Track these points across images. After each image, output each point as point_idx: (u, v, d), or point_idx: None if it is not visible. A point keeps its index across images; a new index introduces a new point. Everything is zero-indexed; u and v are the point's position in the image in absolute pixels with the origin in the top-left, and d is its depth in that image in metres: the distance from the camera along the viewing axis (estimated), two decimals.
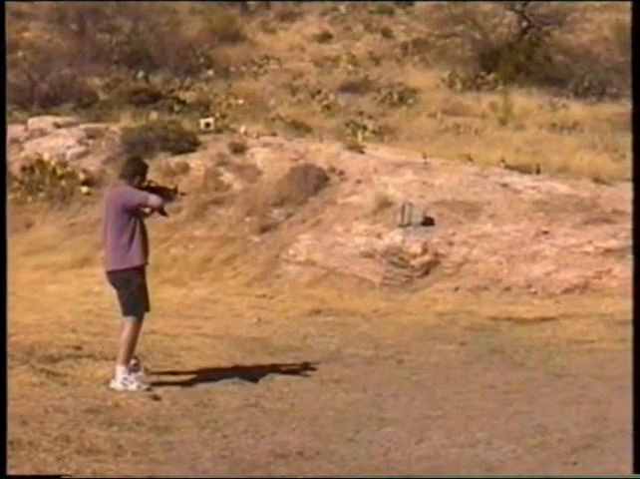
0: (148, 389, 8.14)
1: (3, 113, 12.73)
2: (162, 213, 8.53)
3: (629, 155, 6.99)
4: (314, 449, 6.81)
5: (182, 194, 9.26)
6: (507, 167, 15.64)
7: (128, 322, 8.32)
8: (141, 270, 8.38)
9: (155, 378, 8.54)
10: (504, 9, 26.27)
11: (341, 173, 15.63)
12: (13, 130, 17.39)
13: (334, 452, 6.77)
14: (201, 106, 20.73)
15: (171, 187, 9.15)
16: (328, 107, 21.51)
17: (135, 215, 8.28)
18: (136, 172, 8.45)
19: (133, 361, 8.40)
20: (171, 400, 7.93)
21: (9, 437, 6.55)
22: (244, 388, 8.39)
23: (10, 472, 5.96)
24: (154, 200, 8.28)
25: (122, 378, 8.16)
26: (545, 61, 24.65)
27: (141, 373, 8.38)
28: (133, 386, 8.13)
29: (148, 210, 8.42)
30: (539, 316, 11.87)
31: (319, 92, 22.52)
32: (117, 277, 8.36)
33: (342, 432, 7.24)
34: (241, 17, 28.57)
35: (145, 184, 8.60)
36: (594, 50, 25.11)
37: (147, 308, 8.44)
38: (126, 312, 8.35)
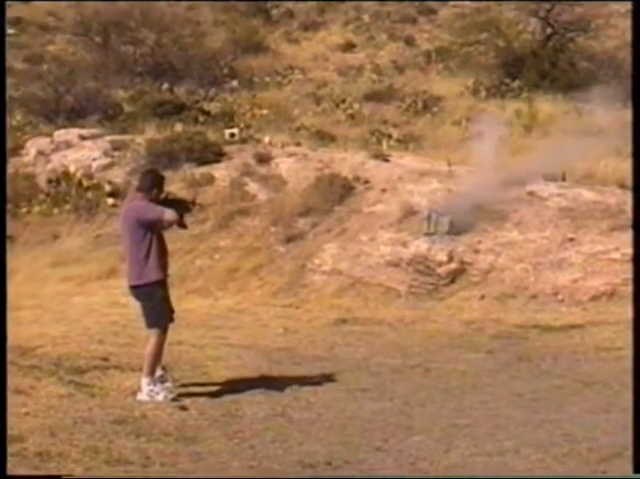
0: (174, 400, 8.17)
1: (3, 114, 12.77)
2: (181, 225, 8.51)
3: None
4: (342, 459, 6.79)
5: (200, 205, 9.24)
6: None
7: (152, 335, 8.36)
8: (161, 283, 8.40)
9: (182, 389, 8.56)
10: (528, 16, 26.19)
11: (366, 181, 15.62)
12: (39, 142, 17.52)
13: (362, 461, 6.75)
14: (226, 116, 20.80)
15: (190, 199, 9.13)
16: (352, 116, 21.52)
17: (150, 229, 8.28)
18: (153, 184, 8.43)
19: (159, 372, 8.43)
20: (199, 411, 7.95)
21: (38, 449, 6.60)
22: (271, 398, 8.39)
23: None
24: (169, 214, 8.25)
25: (148, 390, 8.20)
26: (570, 67, 24.55)
27: (169, 384, 8.41)
28: (159, 397, 8.15)
29: (165, 224, 8.40)
30: (566, 324, 11.81)
31: (343, 101, 22.54)
32: (138, 292, 8.41)
33: (370, 441, 7.22)
34: (264, 27, 28.65)
35: (162, 196, 8.60)
36: (619, 56, 24.96)
37: (171, 320, 8.47)
38: (149, 325, 8.39)
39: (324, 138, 19.11)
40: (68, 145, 17.56)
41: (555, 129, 20.07)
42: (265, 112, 21.31)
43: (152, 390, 8.21)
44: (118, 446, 6.89)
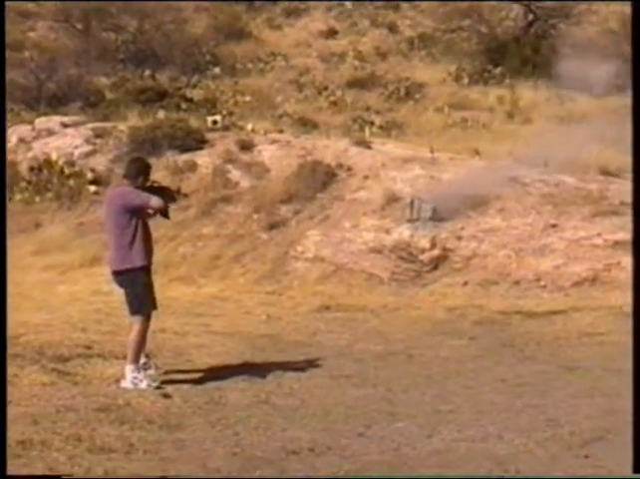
0: (158, 387, 8.16)
1: (3, 113, 12.74)
2: (164, 215, 8.50)
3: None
4: (325, 445, 6.81)
5: (185, 195, 9.17)
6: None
7: (135, 322, 8.35)
8: (145, 270, 8.38)
9: (165, 377, 8.56)
10: (510, 2, 26.20)
11: (349, 168, 15.62)
12: (20, 130, 17.43)
13: (345, 448, 6.77)
14: (208, 103, 20.73)
15: (175, 187, 9.06)
16: (335, 103, 21.49)
17: (136, 215, 8.27)
18: (139, 172, 8.43)
19: (143, 360, 8.42)
20: (182, 398, 7.94)
21: (20, 437, 6.58)
22: (255, 385, 8.40)
23: (22, 472, 5.97)
24: (155, 201, 8.26)
25: (131, 377, 8.19)
26: (552, 54, 24.56)
27: (152, 371, 8.41)
28: (143, 385, 8.15)
29: (150, 211, 8.40)
30: (549, 310, 11.86)
31: (326, 88, 22.49)
32: (122, 278, 8.39)
33: (353, 428, 7.24)
34: (247, 14, 28.52)
35: (148, 184, 8.55)
36: (601, 42, 25.01)
37: (154, 307, 8.45)
38: (133, 312, 8.37)
39: (307, 125, 19.08)
40: (50, 132, 17.48)
41: (537, 115, 20.13)
42: (248, 99, 21.26)
43: (135, 378, 8.19)
44: (101, 434, 6.88)
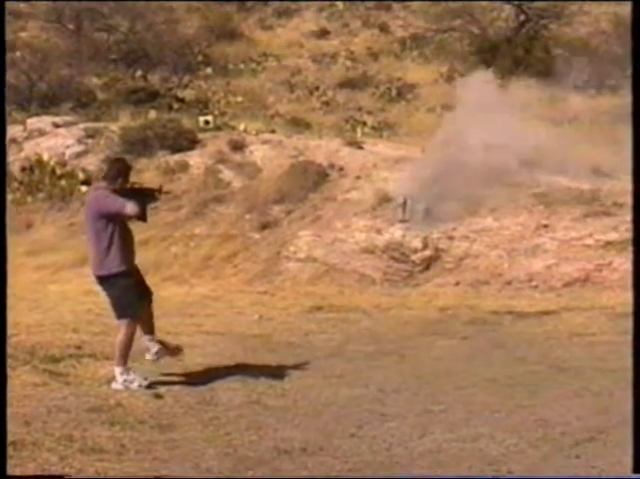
0: (149, 386, 8.15)
1: (3, 113, 12.75)
2: (141, 218, 8.24)
3: (629, 147, 7.01)
4: (317, 445, 6.81)
5: (167, 192, 8.90)
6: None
7: (121, 325, 8.26)
8: (125, 274, 8.19)
9: (156, 377, 8.55)
10: (502, 3, 26.25)
11: (340, 169, 15.63)
12: (12, 130, 17.39)
13: (337, 448, 6.77)
14: (200, 104, 20.75)
15: (156, 187, 8.68)
16: (327, 103, 21.52)
17: (112, 220, 8.08)
18: (118, 173, 8.24)
19: (155, 348, 8.42)
20: (174, 398, 7.94)
21: (12, 438, 6.56)
22: (246, 385, 8.39)
23: (14, 472, 5.97)
24: (130, 208, 8.01)
25: (122, 380, 8.17)
26: (544, 54, 24.62)
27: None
28: (134, 385, 8.13)
29: (126, 217, 8.19)
30: (540, 310, 11.87)
31: (317, 88, 22.52)
32: (101, 282, 8.29)
33: (345, 428, 7.24)
34: (238, 14, 28.52)
35: (128, 185, 8.36)
36: (592, 43, 25.09)
37: (149, 295, 8.42)
38: (118, 316, 8.27)
39: (298, 125, 19.11)
40: (41, 132, 17.46)
41: (529, 116, 20.14)
42: (240, 99, 21.28)
43: (125, 380, 8.17)
44: (92, 435, 6.88)
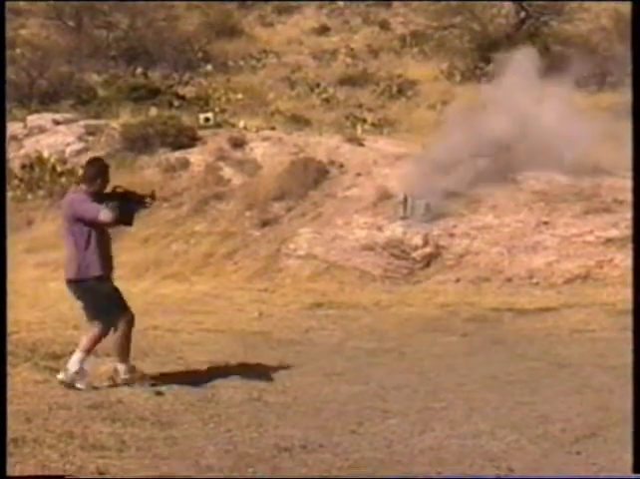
0: (94, 387, 7.87)
1: (3, 112, 12.74)
2: (126, 222, 7.98)
3: (629, 144, 7.01)
4: (317, 442, 6.81)
5: (153, 199, 8.38)
6: None
7: (91, 327, 7.97)
8: (101, 280, 7.90)
9: (158, 372, 8.55)
10: (502, 0, 26.24)
11: (341, 166, 15.63)
12: (12, 127, 17.39)
13: (337, 445, 6.77)
14: (200, 101, 20.75)
15: (146, 193, 8.22)
16: (327, 100, 21.52)
17: (88, 224, 7.78)
18: (97, 174, 7.93)
19: (77, 368, 7.97)
20: (175, 395, 7.93)
21: (13, 435, 6.57)
22: (247, 382, 8.39)
23: (15, 469, 5.97)
24: (103, 216, 7.66)
25: (74, 370, 7.90)
26: (544, 51, 24.60)
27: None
28: (80, 385, 7.86)
29: (101, 224, 7.85)
30: (541, 307, 11.88)
31: (318, 85, 22.52)
32: (75, 287, 7.97)
33: (345, 425, 7.24)
34: (239, 11, 28.53)
35: (109, 190, 8.04)
36: (593, 39, 25.07)
37: (128, 311, 8.03)
38: (90, 318, 8.00)
39: (299, 122, 19.11)
40: (41, 130, 17.46)
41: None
42: (240, 96, 21.27)
43: (77, 372, 7.91)
44: (93, 431, 6.88)
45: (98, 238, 7.87)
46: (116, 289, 8.08)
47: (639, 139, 7.09)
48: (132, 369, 8.14)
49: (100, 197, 7.87)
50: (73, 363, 7.93)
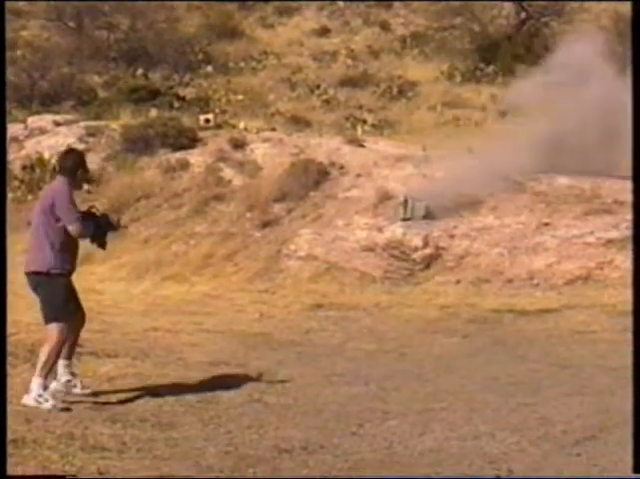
0: (65, 409, 7.39)
1: (3, 112, 12.73)
2: (100, 244, 7.83)
3: (629, 145, 7.05)
4: (318, 443, 6.81)
5: (125, 227, 8.25)
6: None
7: (50, 331, 7.53)
8: (65, 276, 7.62)
9: (158, 374, 8.56)
10: (502, 1, 26.25)
11: (341, 167, 15.62)
12: (13, 128, 17.39)
13: (338, 446, 6.77)
14: (201, 102, 20.76)
15: (115, 218, 8.08)
16: (327, 101, 21.53)
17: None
18: (76, 165, 7.67)
19: (67, 377, 7.76)
20: (175, 397, 7.93)
21: (13, 435, 6.57)
22: (247, 384, 8.39)
23: (15, 470, 5.97)
24: (74, 229, 7.46)
25: (36, 394, 7.42)
26: (545, 52, 24.59)
27: (77, 390, 7.76)
28: (47, 405, 7.36)
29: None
30: (542, 308, 11.86)
31: (318, 86, 22.53)
32: (37, 280, 7.63)
33: (345, 426, 7.24)
34: (239, 12, 28.56)
35: (88, 208, 7.91)
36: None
37: (81, 310, 7.79)
38: (47, 320, 7.56)
39: (299, 123, 19.12)
40: (42, 131, 17.46)
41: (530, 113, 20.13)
42: (240, 97, 21.29)
43: (40, 396, 7.42)
44: (93, 432, 6.88)
45: (68, 234, 7.58)
46: (75, 292, 7.80)
47: (639, 139, 7.09)
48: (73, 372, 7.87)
49: (79, 188, 7.75)
50: (31, 397, 7.45)
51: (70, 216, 7.51)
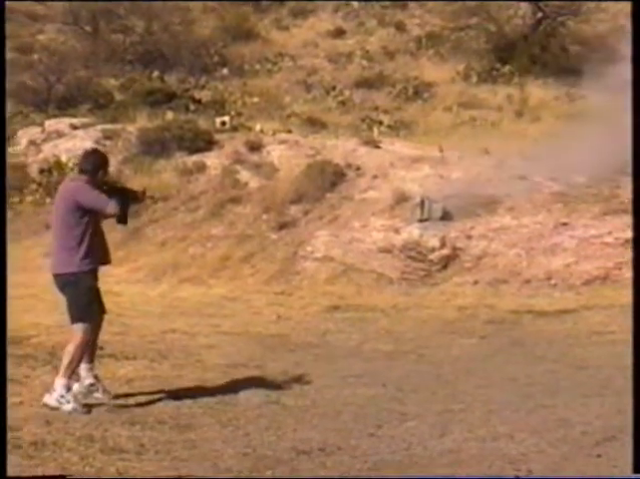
0: (87, 412, 7.40)
1: (3, 112, 12.74)
2: (121, 221, 7.73)
3: None
4: (336, 445, 6.80)
5: (151, 197, 8.24)
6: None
7: (76, 332, 7.55)
8: (91, 274, 7.61)
9: (176, 376, 8.57)
10: (519, 1, 26.17)
11: (357, 168, 15.62)
12: (30, 132, 17.49)
13: (356, 447, 6.76)
14: (217, 104, 20.77)
15: (139, 189, 8.07)
16: (343, 103, 21.51)
17: (87, 215, 7.50)
18: (97, 165, 7.67)
19: (90, 380, 7.75)
20: (193, 399, 7.94)
21: (33, 438, 6.60)
22: (265, 385, 8.39)
23: (36, 471, 5.99)
24: (111, 208, 7.44)
25: (58, 394, 7.44)
26: (561, 52, 24.54)
27: (98, 394, 7.75)
28: (68, 407, 7.39)
29: (107, 216, 7.67)
30: (560, 309, 11.83)
31: (334, 88, 22.51)
32: (63, 281, 7.60)
33: (363, 427, 7.23)
34: (254, 14, 28.55)
35: (109, 184, 7.93)
36: (610, 40, 24.95)
37: (102, 312, 7.75)
38: (74, 320, 7.57)
39: (315, 125, 19.11)
40: (59, 134, 17.52)
41: (546, 114, 20.09)
42: (256, 99, 21.29)
43: (62, 396, 7.43)
44: (112, 434, 6.89)
45: (95, 230, 7.60)
46: (98, 288, 7.77)
47: (639, 139, 7.07)
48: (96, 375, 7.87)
49: (100, 190, 7.63)
50: (53, 397, 7.48)
51: (100, 200, 7.49)
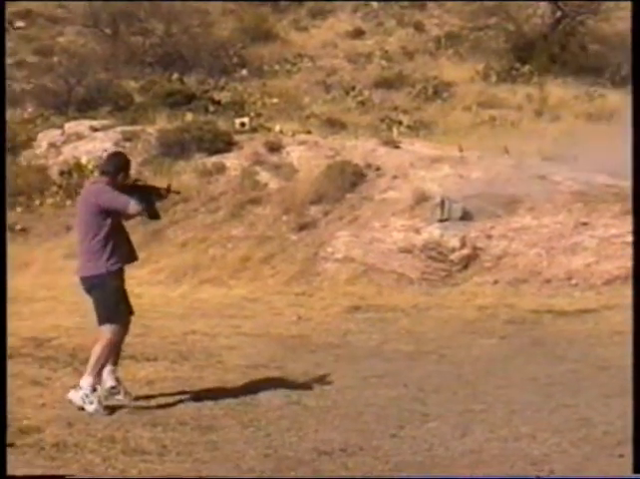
0: (109, 414, 7.45)
1: (3, 112, 12.77)
2: (153, 216, 7.83)
3: None
4: (357, 445, 6.81)
5: (177, 192, 8.31)
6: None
7: (103, 332, 7.62)
8: (117, 274, 7.66)
9: (197, 377, 8.59)
10: (538, 0, 26.08)
11: (377, 169, 15.60)
12: (50, 134, 17.55)
13: (378, 448, 6.77)
14: (236, 105, 20.79)
15: (163, 186, 8.07)
16: (363, 103, 21.48)
17: (110, 216, 7.55)
18: (119, 168, 7.73)
19: (112, 383, 7.75)
20: (214, 400, 7.96)
21: (55, 439, 6.64)
22: (286, 386, 8.41)
23: (58, 472, 6.03)
24: (133, 207, 7.48)
25: (84, 393, 7.50)
26: (580, 51, 24.44)
27: (120, 397, 7.76)
28: (90, 407, 7.45)
29: (129, 217, 7.72)
30: (580, 308, 11.79)
31: (353, 88, 22.49)
32: (90, 284, 7.66)
33: (385, 428, 7.24)
34: (273, 15, 28.57)
35: (130, 182, 7.95)
36: (630, 38, 24.83)
37: (130, 312, 7.81)
38: (101, 321, 7.63)
39: (334, 125, 19.09)
40: (79, 136, 17.58)
41: (566, 113, 20.02)
42: (275, 100, 21.29)
43: (87, 395, 7.49)
44: (134, 436, 6.92)
45: (118, 230, 7.66)
46: (125, 289, 7.83)
47: (639, 139, 7.05)
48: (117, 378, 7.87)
49: (124, 189, 7.67)
50: (78, 395, 7.54)
51: (121, 200, 7.53)
